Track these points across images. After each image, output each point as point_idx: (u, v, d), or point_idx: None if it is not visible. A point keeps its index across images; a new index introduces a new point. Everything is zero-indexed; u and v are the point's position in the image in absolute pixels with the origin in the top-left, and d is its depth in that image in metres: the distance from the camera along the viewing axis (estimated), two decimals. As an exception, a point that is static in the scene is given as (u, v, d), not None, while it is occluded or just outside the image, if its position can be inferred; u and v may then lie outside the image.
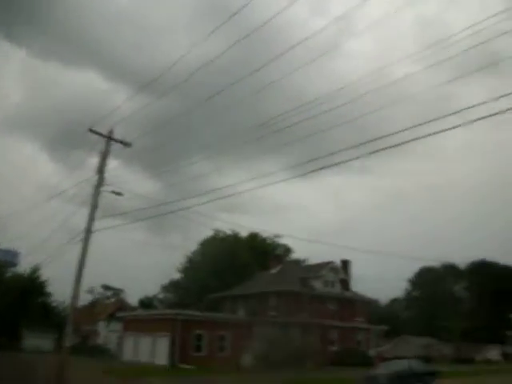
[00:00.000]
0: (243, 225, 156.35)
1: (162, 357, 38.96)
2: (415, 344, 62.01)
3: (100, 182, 21.94)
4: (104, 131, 23.04)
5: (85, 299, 75.23)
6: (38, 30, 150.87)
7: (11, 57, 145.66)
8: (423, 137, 13.56)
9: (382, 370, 25.64)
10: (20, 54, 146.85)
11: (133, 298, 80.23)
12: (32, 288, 61.65)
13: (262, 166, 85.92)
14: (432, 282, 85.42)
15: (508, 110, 11.94)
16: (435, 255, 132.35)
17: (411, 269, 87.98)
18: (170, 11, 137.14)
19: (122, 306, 67.96)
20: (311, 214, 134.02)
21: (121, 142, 23.15)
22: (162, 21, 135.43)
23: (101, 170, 22.33)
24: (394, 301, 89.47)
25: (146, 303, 78.73)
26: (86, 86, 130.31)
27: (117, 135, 23.45)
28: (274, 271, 56.23)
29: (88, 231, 21.63)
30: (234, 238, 77.70)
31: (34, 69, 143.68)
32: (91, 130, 22.21)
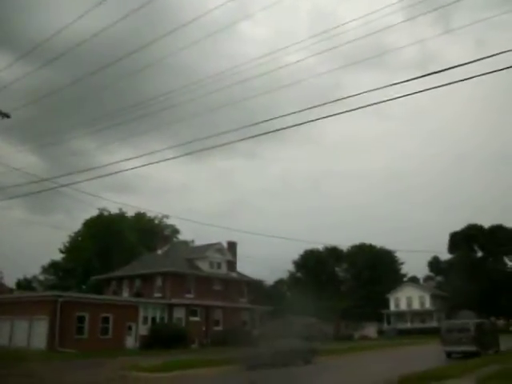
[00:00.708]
0: (130, 204, 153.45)
1: (40, 341, 37.24)
2: (298, 323, 63.96)
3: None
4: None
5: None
6: None
7: None
8: (307, 122, 13.79)
9: (265, 348, 26.14)
10: None
11: (10, 280, 76.10)
12: None
13: (150, 144, 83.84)
14: (315, 264, 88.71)
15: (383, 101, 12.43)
16: (319, 238, 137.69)
17: (297, 251, 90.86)
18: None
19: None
20: (200, 195, 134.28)
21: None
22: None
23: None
24: (279, 282, 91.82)
25: (23, 285, 75.02)
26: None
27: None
28: (160, 252, 55.57)
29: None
30: (121, 218, 75.84)
31: None
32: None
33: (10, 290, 65.18)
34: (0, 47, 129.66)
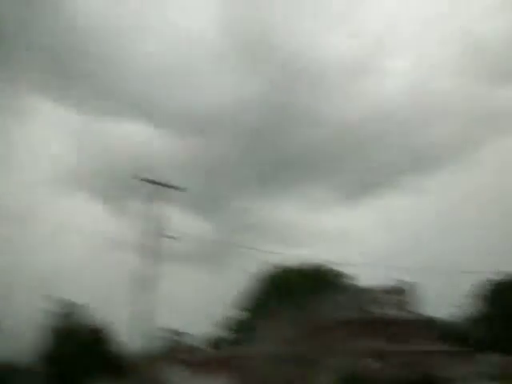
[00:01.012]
0: (300, 256, 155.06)
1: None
2: (490, 362, 59.68)
3: (158, 229, 22.24)
4: (152, 178, 23.33)
5: (148, 343, 75.33)
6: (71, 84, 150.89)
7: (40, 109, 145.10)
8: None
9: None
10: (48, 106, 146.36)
11: (194, 339, 79.75)
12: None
13: (311, 192, 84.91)
14: (498, 294, 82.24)
15: None
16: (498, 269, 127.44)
17: (472, 285, 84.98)
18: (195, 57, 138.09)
19: (188, 348, 67.93)
20: (366, 237, 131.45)
21: (174, 188, 23.46)
22: (191, 66, 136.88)
23: (157, 218, 22.64)
24: (460, 318, 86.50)
25: (211, 343, 78.41)
26: (135, 137, 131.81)
27: (163, 179, 23.72)
28: (333, 299, 55.40)
29: (154, 277, 21.88)
30: (289, 269, 77.13)
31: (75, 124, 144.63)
32: (147, 180, 22.59)
33: (197, 350, 68.52)
34: (166, 129, 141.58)
